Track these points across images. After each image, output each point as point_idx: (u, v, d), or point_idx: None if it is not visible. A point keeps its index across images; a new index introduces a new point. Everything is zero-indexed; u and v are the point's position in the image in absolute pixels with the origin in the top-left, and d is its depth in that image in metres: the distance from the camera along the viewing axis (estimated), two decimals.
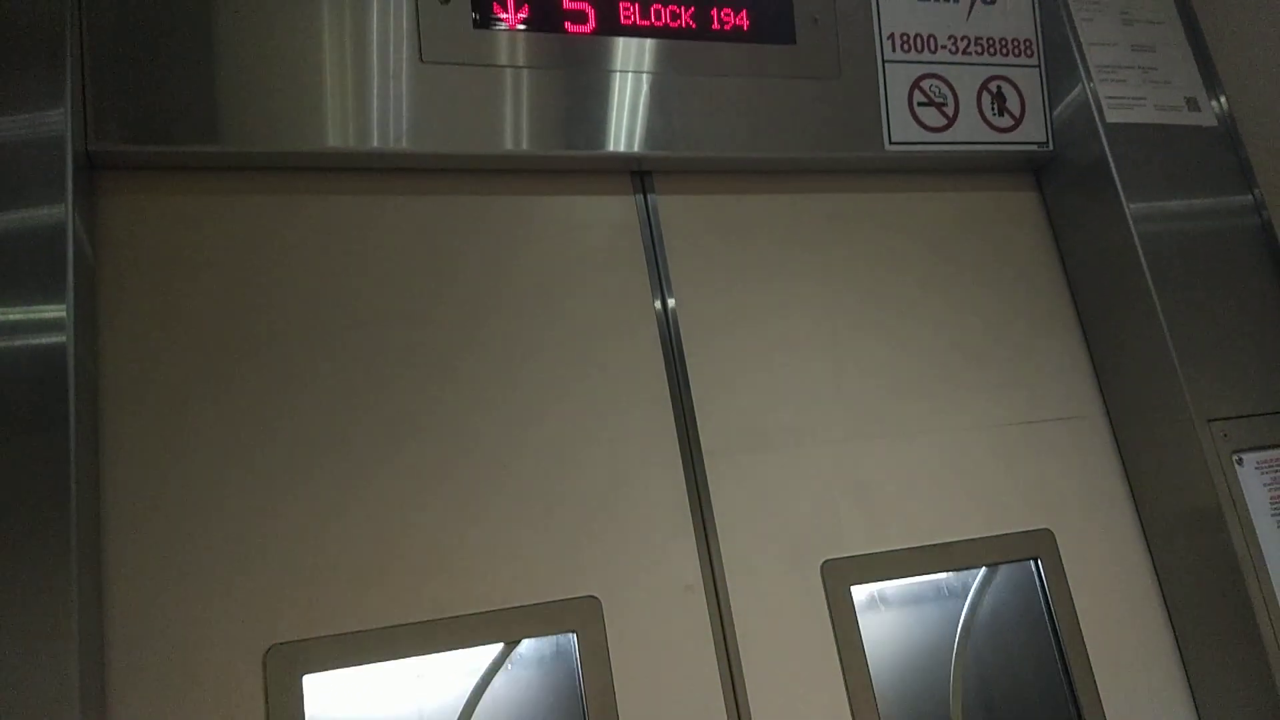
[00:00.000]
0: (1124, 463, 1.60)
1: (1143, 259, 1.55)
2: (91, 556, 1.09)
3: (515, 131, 1.40)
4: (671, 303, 1.47)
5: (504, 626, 1.25)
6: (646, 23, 1.46)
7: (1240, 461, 1.45)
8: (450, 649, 1.22)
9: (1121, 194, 1.58)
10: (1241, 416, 1.49)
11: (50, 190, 1.12)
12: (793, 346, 1.51)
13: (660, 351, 1.44)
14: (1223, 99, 1.69)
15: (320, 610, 1.19)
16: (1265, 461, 1.47)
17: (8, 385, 1.05)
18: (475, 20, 1.37)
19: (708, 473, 1.40)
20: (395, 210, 1.38)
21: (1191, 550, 1.49)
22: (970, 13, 1.64)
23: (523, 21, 1.39)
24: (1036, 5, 1.69)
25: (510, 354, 1.37)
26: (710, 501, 1.39)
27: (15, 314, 1.07)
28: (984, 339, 1.62)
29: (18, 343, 1.06)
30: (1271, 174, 1.63)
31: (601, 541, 1.32)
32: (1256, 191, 1.64)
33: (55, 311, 1.08)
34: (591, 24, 1.43)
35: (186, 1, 1.25)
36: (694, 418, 1.42)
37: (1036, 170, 1.75)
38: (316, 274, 1.32)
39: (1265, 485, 1.45)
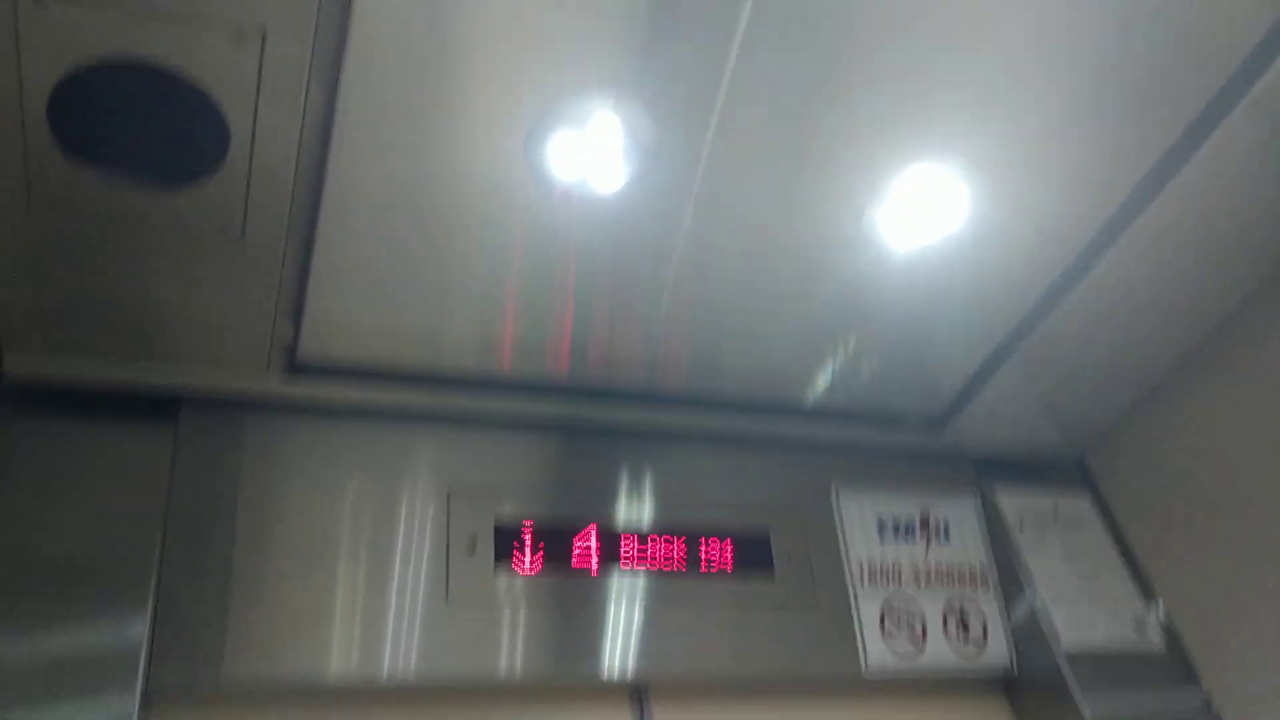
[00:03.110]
0: None
1: None
2: None
3: (522, 658, 1.55)
4: None
5: None
6: (643, 564, 1.68)
7: None
8: None
9: (1080, 707, 1.72)
10: None
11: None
12: None
13: None
14: (1161, 610, 1.89)
15: None
16: None
17: None
18: (495, 568, 1.59)
19: None
20: None
21: None
22: (929, 550, 1.88)
23: (537, 569, 1.61)
24: (987, 542, 1.93)
25: None
26: None
27: None
28: None
29: None
30: (1214, 676, 1.80)
31: None
32: (1204, 689, 1.81)
33: None
34: (595, 568, 1.65)
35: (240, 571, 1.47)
36: None
37: (1005, 686, 1.89)
38: None
39: None
